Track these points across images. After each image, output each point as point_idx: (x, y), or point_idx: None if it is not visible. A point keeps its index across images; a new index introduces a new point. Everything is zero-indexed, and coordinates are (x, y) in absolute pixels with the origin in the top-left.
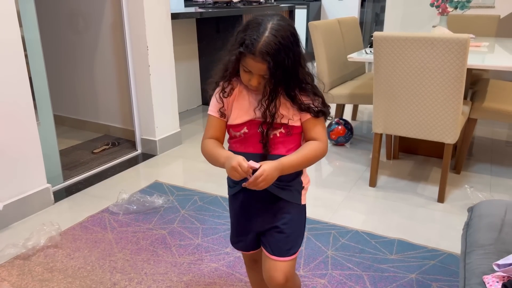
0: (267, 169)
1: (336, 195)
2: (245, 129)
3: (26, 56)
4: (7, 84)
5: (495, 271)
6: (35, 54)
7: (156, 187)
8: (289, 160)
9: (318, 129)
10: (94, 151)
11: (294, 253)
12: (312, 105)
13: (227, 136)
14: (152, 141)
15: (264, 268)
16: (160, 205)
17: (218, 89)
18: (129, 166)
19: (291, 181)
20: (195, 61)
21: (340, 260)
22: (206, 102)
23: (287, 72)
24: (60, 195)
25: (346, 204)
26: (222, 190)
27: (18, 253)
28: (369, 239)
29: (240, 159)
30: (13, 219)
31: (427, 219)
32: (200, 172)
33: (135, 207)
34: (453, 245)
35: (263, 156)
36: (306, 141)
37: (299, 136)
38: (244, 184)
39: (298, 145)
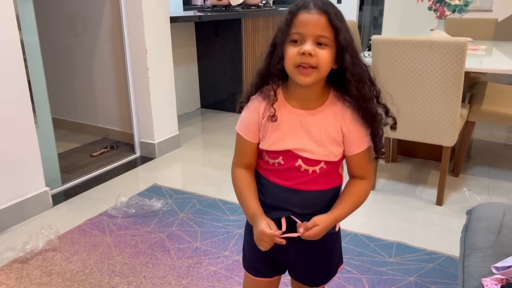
0: (321, 226)
1: None
2: (280, 160)
3: (25, 59)
4: (6, 87)
5: (493, 274)
6: (34, 57)
7: (155, 190)
8: (342, 212)
9: (368, 163)
10: (93, 154)
11: (328, 280)
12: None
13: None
14: (150, 144)
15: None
16: (159, 208)
17: (255, 99)
18: (128, 169)
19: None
20: (193, 64)
21: None
22: (204, 105)
23: (353, 51)
24: (58, 199)
25: None
26: (220, 193)
27: (16, 256)
28: (368, 242)
29: (264, 225)
30: (12, 222)
31: (425, 222)
32: (198, 175)
33: (133, 211)
34: (452, 247)
35: (296, 192)
36: (350, 175)
37: (340, 164)
38: (285, 235)
39: (337, 175)
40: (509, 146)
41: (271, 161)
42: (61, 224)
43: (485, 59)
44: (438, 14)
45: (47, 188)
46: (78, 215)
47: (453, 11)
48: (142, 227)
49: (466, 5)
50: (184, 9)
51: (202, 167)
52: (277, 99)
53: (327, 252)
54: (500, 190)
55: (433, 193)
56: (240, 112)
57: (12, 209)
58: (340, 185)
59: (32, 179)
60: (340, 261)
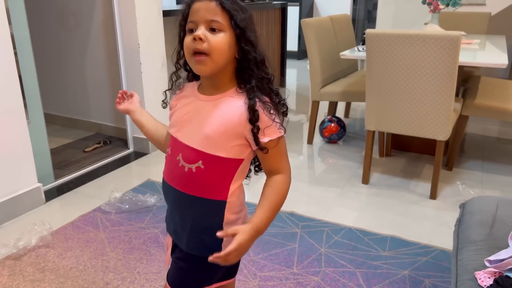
0: (243, 243)
1: (329, 192)
2: (169, 150)
3: (15, 54)
4: None
5: (486, 267)
6: (24, 52)
7: (149, 186)
8: (264, 221)
9: (283, 155)
10: (86, 149)
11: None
12: (276, 118)
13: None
14: (144, 139)
15: None
16: (153, 204)
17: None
18: (121, 165)
19: (207, 237)
20: None
21: (333, 257)
22: None
23: (250, 36)
24: (51, 195)
25: (339, 202)
26: None
27: (9, 253)
28: (362, 236)
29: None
30: (4, 219)
31: (419, 215)
32: None
33: (127, 206)
34: (445, 241)
35: (173, 191)
36: (265, 171)
37: (227, 173)
38: (211, 259)
39: (223, 186)
40: (502, 140)
41: (167, 149)
42: (54, 220)
43: (478, 53)
44: (432, 8)
45: (39, 184)
46: (71, 211)
47: (447, 5)
48: (136, 223)
49: None
50: (177, 3)
51: None
52: (181, 89)
53: (184, 269)
54: (493, 184)
55: (427, 187)
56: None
57: (4, 205)
58: (223, 202)
59: (24, 175)
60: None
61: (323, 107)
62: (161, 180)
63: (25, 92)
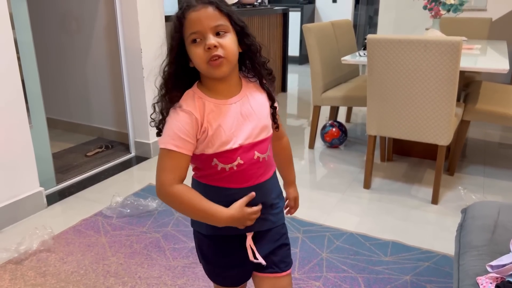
0: (298, 196)
1: (331, 197)
2: (238, 160)
3: (18, 58)
4: None
5: (488, 272)
6: (27, 56)
7: (150, 190)
8: (293, 175)
9: (279, 120)
10: (87, 154)
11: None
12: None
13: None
14: (145, 144)
15: (265, 284)
16: (154, 208)
17: (179, 106)
18: (123, 169)
19: (281, 200)
20: None
21: (334, 262)
22: None
23: (244, 35)
24: (53, 199)
25: (341, 206)
26: None
27: (10, 257)
28: (364, 241)
29: (242, 207)
30: (5, 223)
31: (421, 220)
32: None
33: (128, 211)
34: (447, 246)
35: (258, 187)
36: (278, 137)
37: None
38: (293, 211)
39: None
40: (503, 145)
41: (227, 166)
42: (55, 224)
43: (479, 58)
44: (433, 13)
45: (41, 188)
46: (73, 215)
47: (448, 11)
48: (137, 227)
49: (461, 4)
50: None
51: None
52: (201, 99)
53: (286, 237)
54: (495, 189)
55: (428, 192)
56: (159, 134)
57: (6, 209)
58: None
59: (26, 179)
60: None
61: (325, 112)
62: None
63: (27, 96)
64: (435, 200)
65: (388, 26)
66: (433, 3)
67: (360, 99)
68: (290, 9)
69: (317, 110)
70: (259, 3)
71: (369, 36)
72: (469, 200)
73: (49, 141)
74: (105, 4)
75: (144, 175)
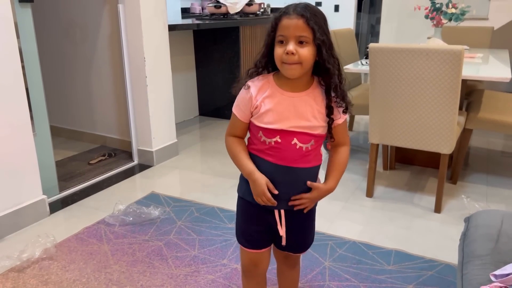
0: (317, 195)
1: (333, 205)
2: (277, 138)
3: (23, 67)
4: (4, 95)
5: (492, 282)
6: (32, 65)
7: (153, 198)
8: (337, 183)
9: (346, 131)
10: (91, 162)
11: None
12: (344, 104)
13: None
14: (148, 152)
15: (280, 252)
16: (157, 216)
17: (247, 85)
18: (126, 177)
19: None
20: (192, 72)
21: (337, 271)
22: (203, 113)
23: (329, 46)
24: (55, 207)
25: (343, 215)
26: (218, 201)
27: (12, 265)
28: (367, 249)
29: (264, 186)
30: (8, 231)
31: (424, 229)
32: (196, 183)
33: (131, 219)
34: (450, 255)
35: (290, 169)
36: (334, 145)
37: (321, 144)
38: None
39: (320, 154)
40: (506, 153)
41: (268, 140)
42: (58, 232)
43: (481, 67)
44: (434, 22)
45: (44, 196)
46: (75, 223)
47: (450, 20)
48: (140, 235)
49: (463, 13)
50: (183, 17)
51: (200, 175)
52: (268, 83)
53: (309, 225)
54: (498, 198)
55: (431, 200)
56: (235, 92)
57: (9, 217)
58: (320, 165)
59: (29, 187)
60: (313, 235)
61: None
62: (165, 192)
63: (31, 104)
64: (438, 209)
65: (390, 35)
66: (435, 12)
67: (362, 107)
68: None
69: None
70: (261, 12)
71: (371, 44)
72: (472, 208)
73: (53, 149)
74: (109, 13)
75: (146, 183)
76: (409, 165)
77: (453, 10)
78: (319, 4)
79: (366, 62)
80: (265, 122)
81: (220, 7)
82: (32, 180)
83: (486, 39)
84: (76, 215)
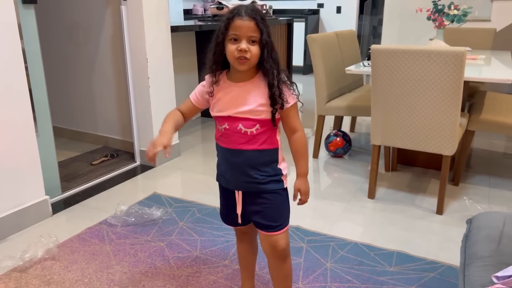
0: (302, 189)
1: (335, 206)
2: (226, 125)
3: (26, 68)
4: (7, 95)
5: (494, 283)
6: (35, 66)
7: (155, 199)
8: (303, 166)
9: (297, 118)
10: (93, 162)
11: (284, 228)
12: (291, 92)
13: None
14: None
15: (260, 239)
16: (159, 217)
17: (206, 78)
18: (128, 178)
19: (272, 176)
20: (194, 73)
21: (339, 272)
22: (205, 114)
23: (271, 46)
24: (58, 207)
25: (345, 216)
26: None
27: (15, 265)
28: (368, 251)
29: (153, 141)
30: (11, 231)
31: (426, 231)
32: (198, 184)
33: (133, 219)
34: (452, 257)
35: (240, 152)
36: (287, 132)
37: (275, 130)
38: (299, 204)
39: (274, 139)
40: (508, 155)
41: (220, 127)
42: (60, 232)
43: (484, 68)
44: (437, 24)
45: (47, 197)
46: (78, 224)
47: (452, 21)
48: (142, 236)
49: (465, 15)
50: (185, 19)
51: (202, 176)
52: (219, 80)
53: (272, 205)
54: (500, 199)
55: (433, 202)
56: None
57: (12, 217)
58: (276, 149)
59: (32, 187)
60: (286, 215)
61: (329, 121)
62: (167, 193)
63: (34, 105)
64: (440, 210)
65: (392, 36)
66: (437, 14)
67: (364, 108)
68: (294, 19)
69: (321, 119)
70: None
71: (373, 46)
72: (474, 210)
73: (55, 150)
74: (111, 14)
75: (149, 183)
76: (411, 166)
77: (455, 12)
78: (321, 5)
79: (368, 64)
80: (216, 110)
81: (222, 8)
82: (34, 181)
83: (488, 40)
84: (79, 215)
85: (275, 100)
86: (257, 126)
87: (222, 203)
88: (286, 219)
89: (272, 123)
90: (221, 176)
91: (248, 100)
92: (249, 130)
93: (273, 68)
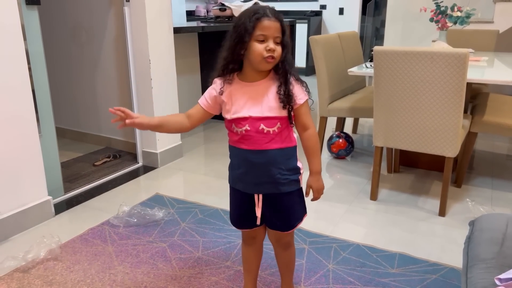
0: (314, 186)
1: (337, 208)
2: (246, 126)
3: (29, 69)
4: (11, 96)
5: (497, 285)
6: (38, 67)
7: (157, 200)
8: (317, 164)
9: (309, 115)
10: (95, 163)
11: (295, 227)
12: (302, 90)
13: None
14: (153, 153)
15: (267, 230)
16: (161, 218)
17: (217, 80)
18: (130, 179)
19: (292, 175)
20: (197, 75)
21: (341, 274)
22: None
23: (290, 47)
24: (60, 208)
25: (347, 218)
26: (222, 203)
27: (17, 265)
28: (370, 253)
29: (132, 120)
30: (13, 231)
31: (428, 232)
32: (200, 185)
33: (135, 220)
34: (455, 259)
35: (262, 152)
36: (299, 130)
37: (291, 129)
38: (312, 200)
39: (292, 137)
40: (511, 157)
41: (238, 129)
42: (62, 233)
43: (486, 70)
44: (439, 25)
45: (49, 197)
46: (80, 224)
47: (455, 23)
48: (144, 237)
49: (468, 17)
50: (188, 20)
51: (204, 177)
52: (232, 80)
53: (290, 207)
54: (503, 201)
55: (435, 204)
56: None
57: (14, 218)
58: (295, 146)
59: (34, 188)
60: (304, 211)
61: (331, 123)
62: (169, 194)
63: (37, 106)
64: (442, 212)
65: (394, 38)
66: (440, 15)
67: (366, 110)
68: (297, 21)
69: (323, 121)
70: None
71: (376, 47)
72: (477, 212)
73: (58, 150)
74: (114, 15)
75: (151, 184)
76: (414, 168)
77: (458, 14)
78: (323, 7)
79: (371, 65)
80: (233, 112)
81: (225, 10)
82: (37, 181)
83: (491, 42)
84: (81, 216)
85: (291, 97)
86: (278, 124)
87: (236, 208)
88: (298, 219)
89: (289, 121)
90: (238, 181)
91: (267, 98)
92: (271, 129)
93: (290, 67)
